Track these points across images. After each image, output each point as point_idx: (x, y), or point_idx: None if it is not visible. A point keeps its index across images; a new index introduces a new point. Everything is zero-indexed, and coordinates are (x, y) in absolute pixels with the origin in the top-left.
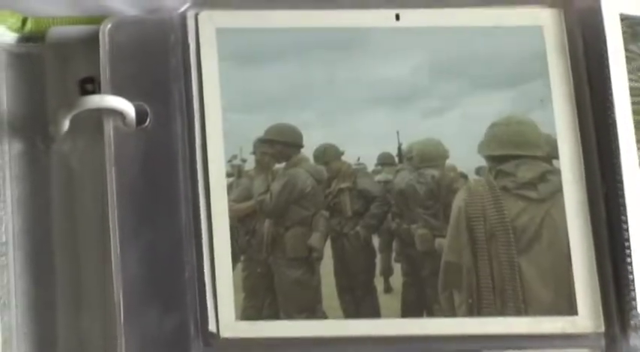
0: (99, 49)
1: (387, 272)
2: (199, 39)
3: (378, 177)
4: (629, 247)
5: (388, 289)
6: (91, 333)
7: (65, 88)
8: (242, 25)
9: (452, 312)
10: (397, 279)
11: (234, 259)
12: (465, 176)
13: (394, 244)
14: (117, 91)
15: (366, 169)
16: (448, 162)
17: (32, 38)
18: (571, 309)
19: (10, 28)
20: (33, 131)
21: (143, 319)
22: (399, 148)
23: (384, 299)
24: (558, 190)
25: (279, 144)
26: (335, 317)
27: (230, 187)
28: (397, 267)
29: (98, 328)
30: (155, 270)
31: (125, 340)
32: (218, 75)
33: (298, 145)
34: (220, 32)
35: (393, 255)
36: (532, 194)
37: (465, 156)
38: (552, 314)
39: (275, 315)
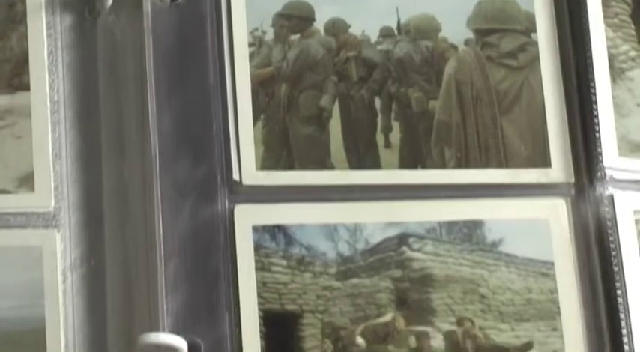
0: None
1: (387, 129)
2: None
3: (380, 47)
4: (596, 109)
5: (388, 144)
6: (132, 181)
7: None
8: None
9: (443, 165)
10: (396, 136)
11: (255, 117)
12: (455, 47)
13: (393, 105)
14: None
15: (370, 40)
16: (440, 34)
17: None
18: (545, 162)
19: None
20: (81, 5)
21: (176, 169)
22: (399, 22)
23: (384, 153)
24: (535, 59)
25: (295, 18)
26: (341, 169)
27: (252, 55)
28: (396, 125)
29: (138, 176)
30: (186, 126)
31: (160, 187)
32: None
33: (311, 19)
34: None
35: (393, 114)
36: (513, 62)
37: (455, 30)
38: (529, 167)
39: (290, 166)
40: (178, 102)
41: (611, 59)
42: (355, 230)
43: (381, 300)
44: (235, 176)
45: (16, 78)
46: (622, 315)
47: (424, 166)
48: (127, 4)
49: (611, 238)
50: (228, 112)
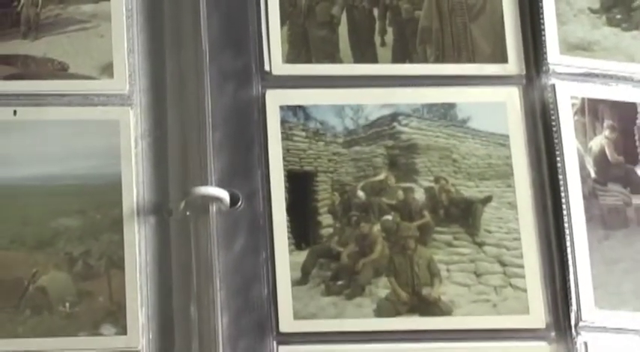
0: None
1: (383, 32)
2: None
3: None
4: (543, 18)
5: (383, 44)
6: (187, 70)
7: None
8: None
9: (425, 60)
10: (389, 37)
11: (282, 22)
12: None
13: (388, 14)
14: None
15: None
16: None
17: None
18: (503, 59)
19: None
20: None
21: (221, 60)
22: None
23: (380, 51)
24: None
25: None
26: (347, 62)
27: None
28: (390, 30)
29: (192, 66)
30: (230, 28)
31: (209, 74)
32: None
33: None
34: None
35: (387, 21)
36: None
37: None
38: (491, 62)
39: (308, 60)
40: (224, 9)
41: None
42: (358, 109)
43: (377, 163)
44: (267, 67)
45: None
46: (560, 176)
47: (411, 61)
48: None
49: (552, 117)
50: (261, 17)
